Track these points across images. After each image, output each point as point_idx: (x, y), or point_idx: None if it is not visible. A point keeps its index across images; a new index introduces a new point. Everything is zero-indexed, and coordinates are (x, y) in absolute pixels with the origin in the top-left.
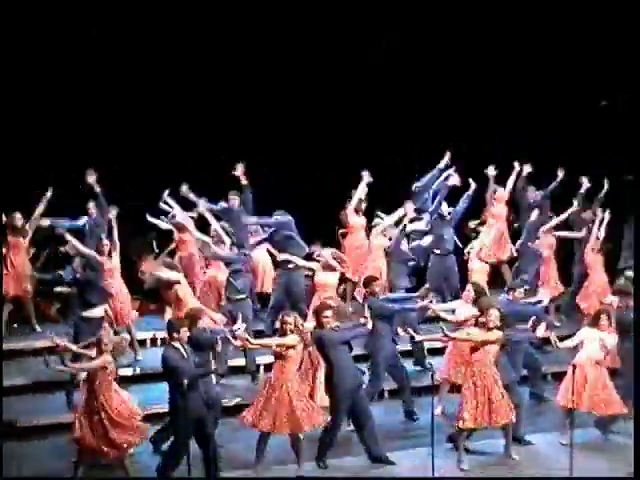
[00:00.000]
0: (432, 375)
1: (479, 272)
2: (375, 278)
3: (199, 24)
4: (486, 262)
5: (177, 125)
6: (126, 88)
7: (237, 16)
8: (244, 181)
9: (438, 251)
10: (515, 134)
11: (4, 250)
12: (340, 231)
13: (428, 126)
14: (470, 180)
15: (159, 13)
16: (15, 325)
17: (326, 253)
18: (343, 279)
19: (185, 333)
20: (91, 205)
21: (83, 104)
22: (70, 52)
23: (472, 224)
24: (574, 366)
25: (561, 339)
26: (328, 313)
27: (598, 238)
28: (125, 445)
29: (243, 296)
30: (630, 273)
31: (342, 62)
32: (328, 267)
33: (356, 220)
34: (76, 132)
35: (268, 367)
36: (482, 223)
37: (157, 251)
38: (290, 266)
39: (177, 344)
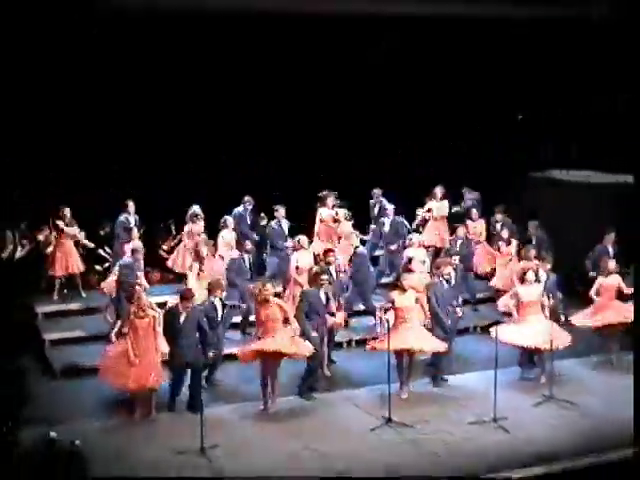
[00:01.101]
0: (388, 325)
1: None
2: (331, 250)
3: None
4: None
5: (186, 129)
6: (139, 93)
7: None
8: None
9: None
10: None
11: (56, 238)
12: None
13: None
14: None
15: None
16: (65, 291)
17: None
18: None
19: (192, 303)
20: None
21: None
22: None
23: (420, 212)
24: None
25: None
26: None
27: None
28: (152, 383)
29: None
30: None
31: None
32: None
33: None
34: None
35: None
36: (428, 211)
37: (174, 234)
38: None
39: (180, 309)
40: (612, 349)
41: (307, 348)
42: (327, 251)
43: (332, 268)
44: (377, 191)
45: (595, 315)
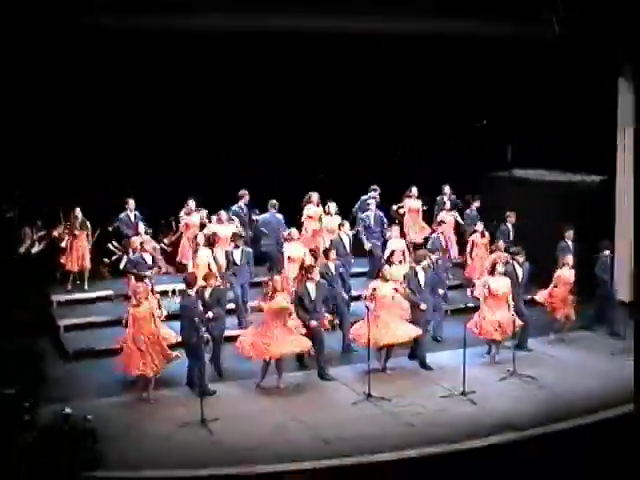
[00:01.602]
0: (367, 310)
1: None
2: (330, 249)
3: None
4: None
5: (184, 133)
6: (142, 101)
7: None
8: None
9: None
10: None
11: (69, 237)
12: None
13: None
14: None
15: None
16: (78, 282)
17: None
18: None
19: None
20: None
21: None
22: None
23: (395, 207)
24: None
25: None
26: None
27: (476, 230)
28: (158, 365)
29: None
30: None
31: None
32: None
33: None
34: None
35: None
36: (400, 208)
37: (175, 230)
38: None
39: (192, 294)
40: (564, 328)
41: (305, 344)
42: (327, 249)
43: (331, 265)
44: (374, 187)
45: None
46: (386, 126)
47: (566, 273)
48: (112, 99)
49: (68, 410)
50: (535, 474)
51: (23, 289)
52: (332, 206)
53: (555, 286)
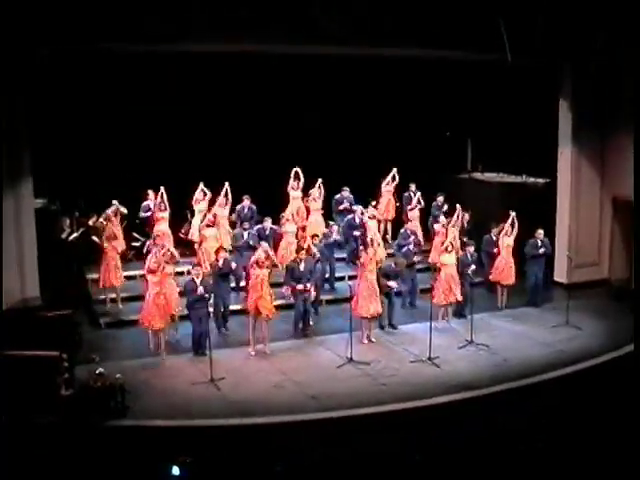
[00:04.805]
0: (350, 288)
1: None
2: (316, 235)
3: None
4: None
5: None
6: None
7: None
8: None
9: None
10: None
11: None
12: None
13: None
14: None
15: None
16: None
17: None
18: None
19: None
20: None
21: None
22: None
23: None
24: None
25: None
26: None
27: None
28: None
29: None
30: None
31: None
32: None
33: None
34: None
35: None
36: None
37: (190, 220)
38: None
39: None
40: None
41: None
42: (313, 236)
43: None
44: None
45: (497, 271)
46: (369, 133)
47: (507, 240)
48: (133, 113)
49: (101, 369)
50: (486, 426)
51: (64, 269)
52: (314, 191)
53: (498, 253)
